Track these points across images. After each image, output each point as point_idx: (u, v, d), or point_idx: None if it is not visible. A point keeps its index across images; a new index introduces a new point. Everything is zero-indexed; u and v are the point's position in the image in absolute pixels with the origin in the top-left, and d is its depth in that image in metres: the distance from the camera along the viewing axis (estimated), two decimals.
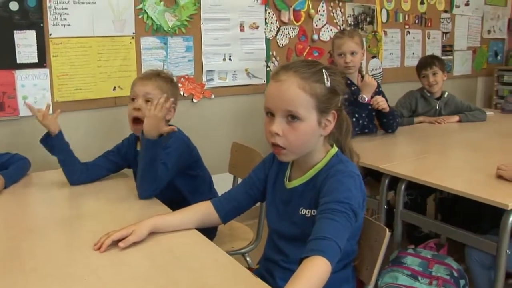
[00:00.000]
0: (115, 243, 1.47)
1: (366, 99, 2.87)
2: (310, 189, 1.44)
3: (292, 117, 1.36)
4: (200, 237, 1.56)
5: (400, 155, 2.65)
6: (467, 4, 5.33)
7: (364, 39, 3.14)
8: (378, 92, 3.08)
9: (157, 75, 2.14)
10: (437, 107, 3.57)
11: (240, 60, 3.62)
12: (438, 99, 3.60)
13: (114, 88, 3.14)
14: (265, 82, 3.75)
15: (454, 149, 2.70)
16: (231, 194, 1.66)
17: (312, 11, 3.91)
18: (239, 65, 3.63)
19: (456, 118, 3.51)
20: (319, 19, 4.00)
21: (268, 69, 3.76)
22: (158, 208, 1.82)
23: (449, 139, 3.00)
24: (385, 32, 4.53)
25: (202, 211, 1.63)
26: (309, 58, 3.91)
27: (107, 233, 1.50)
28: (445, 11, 5.10)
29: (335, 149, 1.49)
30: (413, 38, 4.80)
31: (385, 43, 4.54)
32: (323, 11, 4.01)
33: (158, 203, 1.89)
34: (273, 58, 3.77)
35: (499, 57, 5.88)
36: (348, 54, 2.95)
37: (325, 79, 1.39)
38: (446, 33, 5.15)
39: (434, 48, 5.04)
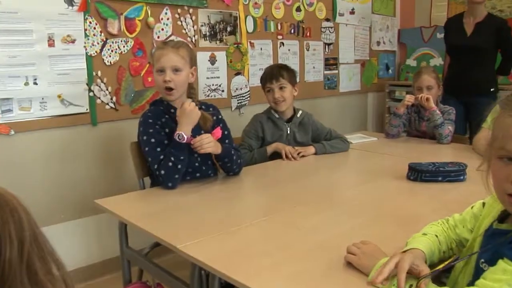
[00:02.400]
0: None
1: (185, 138, 2.10)
2: None
3: None
4: None
5: (223, 220, 1.85)
6: (352, 12, 4.75)
7: (192, 54, 2.33)
8: (217, 121, 2.33)
9: None
10: (288, 131, 2.83)
11: (50, 84, 2.78)
12: (289, 121, 2.86)
13: None
14: (88, 110, 2.93)
15: (304, 205, 1.94)
16: None
17: (151, 20, 3.13)
18: (49, 90, 2.78)
19: (312, 150, 2.80)
20: (162, 29, 3.22)
21: (91, 93, 2.93)
22: None
23: (300, 185, 2.26)
24: (252, 44, 3.83)
25: None
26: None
27: None
28: (327, 20, 4.48)
29: None
30: (289, 50, 4.13)
31: (252, 57, 3.83)
32: (167, 19, 3.25)
33: None
34: (98, 80, 2.95)
35: (390, 71, 5.37)
36: (168, 71, 2.17)
37: None
38: (329, 44, 4.54)
39: (315, 62, 4.41)
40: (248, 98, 3.83)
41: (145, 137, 2.18)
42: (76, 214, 2.92)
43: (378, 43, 5.15)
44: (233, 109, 3.73)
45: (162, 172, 2.10)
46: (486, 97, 3.62)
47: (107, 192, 2.68)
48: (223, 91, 3.66)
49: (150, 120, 2.20)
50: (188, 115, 2.12)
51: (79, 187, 2.93)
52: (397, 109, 3.30)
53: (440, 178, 2.21)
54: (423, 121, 3.30)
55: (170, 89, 2.18)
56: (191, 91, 2.31)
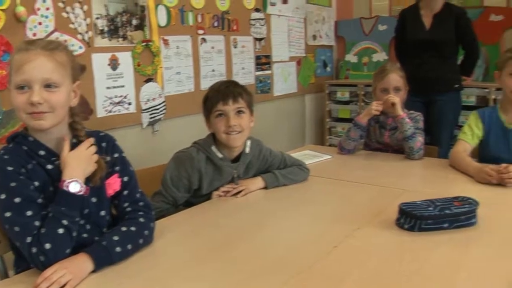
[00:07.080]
0: None
1: (83, 187, 1.30)
2: None
3: None
4: None
5: None
6: (285, 2, 4.05)
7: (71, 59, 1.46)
8: (112, 163, 1.47)
9: None
10: (235, 176, 1.98)
11: None
12: (236, 160, 1.99)
13: None
14: None
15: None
16: None
17: (21, 9, 2.24)
18: None
19: (260, 183, 2.01)
20: (40, 23, 2.35)
21: None
22: None
23: (242, 251, 1.44)
24: (166, 41, 3.01)
25: None
26: None
27: None
28: (257, 10, 3.76)
29: None
30: (212, 48, 3.36)
31: (166, 58, 3.02)
32: (47, 9, 2.38)
33: None
34: None
35: (328, 68, 4.73)
36: (37, 86, 1.30)
37: None
38: (260, 39, 3.81)
39: (245, 61, 3.67)
40: (164, 111, 3.01)
41: (2, 196, 1.31)
42: None
43: (314, 37, 4.49)
44: (144, 126, 2.90)
45: (47, 246, 1.23)
46: (449, 94, 3.32)
47: None
48: (130, 103, 2.82)
49: (10, 168, 1.31)
50: (83, 158, 1.36)
51: None
52: (359, 119, 2.61)
53: (446, 225, 1.54)
54: (386, 131, 2.64)
55: (37, 116, 1.33)
56: (74, 120, 1.46)
